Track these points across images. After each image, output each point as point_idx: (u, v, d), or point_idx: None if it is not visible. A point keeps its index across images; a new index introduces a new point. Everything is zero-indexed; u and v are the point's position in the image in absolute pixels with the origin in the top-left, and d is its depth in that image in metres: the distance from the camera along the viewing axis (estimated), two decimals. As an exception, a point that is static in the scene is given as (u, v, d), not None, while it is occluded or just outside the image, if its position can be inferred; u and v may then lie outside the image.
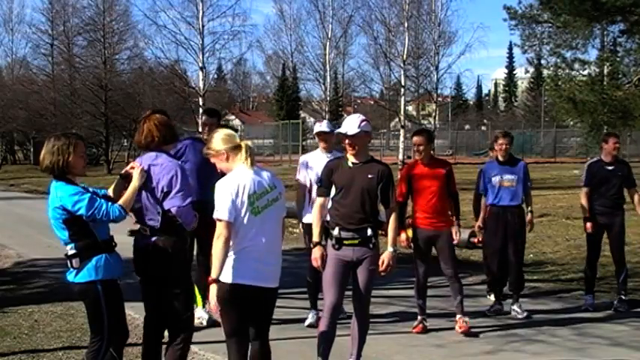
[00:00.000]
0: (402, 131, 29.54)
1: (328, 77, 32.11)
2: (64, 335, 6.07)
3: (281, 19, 42.30)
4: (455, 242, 6.28)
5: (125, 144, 42.92)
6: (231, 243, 3.85)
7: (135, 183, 4.21)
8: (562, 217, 12.77)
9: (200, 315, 6.14)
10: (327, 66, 31.39)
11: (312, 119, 56.53)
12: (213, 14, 27.14)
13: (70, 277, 4.13)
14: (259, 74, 68.24)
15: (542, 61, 13.78)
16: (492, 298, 7.60)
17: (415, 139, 6.32)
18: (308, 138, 45.37)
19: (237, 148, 3.99)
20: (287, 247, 8.32)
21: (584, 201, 7.28)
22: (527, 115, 60.16)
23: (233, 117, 61.85)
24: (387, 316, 6.76)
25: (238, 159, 3.97)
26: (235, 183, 3.86)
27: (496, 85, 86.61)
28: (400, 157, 28.16)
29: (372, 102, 56.30)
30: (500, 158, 6.94)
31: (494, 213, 6.95)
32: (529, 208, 7.06)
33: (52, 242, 10.13)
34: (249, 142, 4.06)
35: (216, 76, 43.85)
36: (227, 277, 3.85)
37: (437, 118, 35.54)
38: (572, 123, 18.66)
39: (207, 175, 5.92)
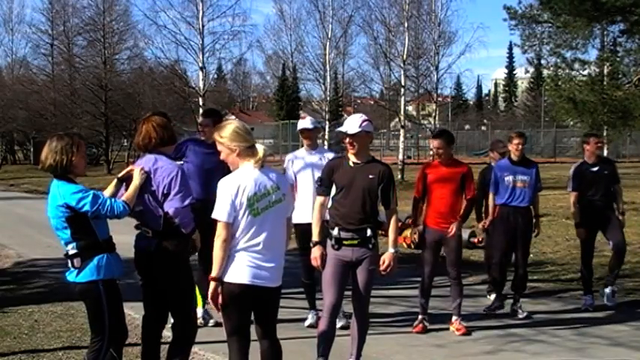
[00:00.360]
0: (402, 131, 29.52)
1: (328, 77, 32.07)
2: (64, 335, 6.07)
3: (281, 19, 42.27)
4: (450, 235, 6.22)
5: (125, 144, 42.92)
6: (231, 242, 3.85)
7: (136, 181, 4.22)
8: (562, 217, 12.77)
9: (200, 315, 6.14)
10: (327, 66, 31.35)
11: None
12: (213, 14, 27.13)
13: (71, 276, 4.13)
14: (259, 74, 68.29)
15: (542, 61, 13.76)
16: (492, 298, 7.61)
17: (434, 142, 6.32)
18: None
19: (250, 148, 3.94)
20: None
21: (573, 208, 7.33)
22: (527, 115, 60.18)
23: (233, 117, 61.78)
24: (387, 316, 6.76)
25: (248, 159, 3.93)
26: (236, 184, 3.85)
27: (496, 85, 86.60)
28: (400, 157, 28.14)
29: (372, 102, 56.27)
30: (515, 158, 6.91)
31: (505, 213, 6.90)
32: (536, 212, 7.07)
33: (52, 242, 10.13)
34: (264, 147, 3.98)
35: (216, 76, 43.94)
36: (227, 276, 3.85)
37: (437, 118, 35.49)
38: (572, 123, 18.64)
39: (208, 175, 5.93)
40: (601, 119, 10.40)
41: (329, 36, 30.80)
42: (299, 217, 5.96)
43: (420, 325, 6.31)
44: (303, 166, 6.23)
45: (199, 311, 6.14)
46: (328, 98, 32.02)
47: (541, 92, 47.19)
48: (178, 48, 27.45)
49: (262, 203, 3.87)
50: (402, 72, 28.49)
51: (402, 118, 29.41)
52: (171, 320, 5.00)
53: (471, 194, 6.29)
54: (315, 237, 4.92)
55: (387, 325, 6.44)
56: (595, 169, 7.16)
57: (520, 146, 6.86)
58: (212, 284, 3.87)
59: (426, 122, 36.19)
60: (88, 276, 4.07)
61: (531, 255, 9.71)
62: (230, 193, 3.83)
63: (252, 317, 4.01)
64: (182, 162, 5.75)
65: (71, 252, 4.09)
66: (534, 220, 7.04)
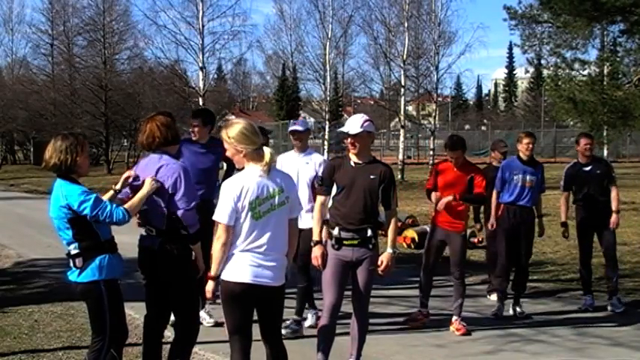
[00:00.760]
0: (402, 131, 29.52)
1: (328, 77, 32.05)
2: (64, 335, 6.07)
3: (281, 19, 42.18)
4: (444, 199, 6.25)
5: (125, 144, 42.90)
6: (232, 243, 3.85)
7: (144, 190, 4.21)
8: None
9: (201, 315, 6.14)
10: (327, 66, 31.34)
11: (312, 119, 56.57)
12: (213, 14, 27.12)
13: (73, 276, 4.14)
14: (259, 74, 68.19)
15: (542, 61, 13.74)
16: (492, 298, 7.61)
17: (453, 154, 6.32)
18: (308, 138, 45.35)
19: (257, 149, 3.91)
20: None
21: (562, 207, 7.34)
22: (527, 115, 60.16)
23: (233, 117, 61.80)
24: (387, 316, 6.76)
25: (254, 162, 3.90)
26: (239, 186, 3.83)
27: (496, 85, 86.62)
28: (400, 157, 28.14)
29: (372, 102, 56.27)
30: (524, 157, 6.91)
31: (512, 212, 6.89)
32: (539, 212, 7.08)
33: (52, 242, 10.13)
34: (271, 151, 3.95)
35: (216, 76, 43.89)
36: (228, 275, 3.86)
37: (437, 118, 35.48)
38: (572, 123, 18.61)
39: (202, 175, 5.93)
40: (601, 119, 10.39)
41: (329, 36, 30.79)
42: None
43: (414, 315, 6.34)
44: (291, 168, 6.17)
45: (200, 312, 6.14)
46: (328, 98, 32.01)
47: (541, 92, 47.18)
48: (178, 48, 27.47)
49: (264, 207, 3.86)
50: (402, 72, 28.50)
51: (402, 118, 29.42)
52: (172, 319, 5.01)
53: (478, 190, 6.32)
54: (315, 236, 4.92)
55: (387, 325, 6.44)
56: (587, 168, 7.17)
57: (530, 146, 6.88)
58: (210, 283, 3.88)
59: (426, 122, 36.15)
60: (90, 276, 4.07)
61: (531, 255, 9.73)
62: (232, 195, 3.82)
63: (256, 318, 4.01)
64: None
65: (73, 252, 4.10)
66: (537, 220, 7.06)
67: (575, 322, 6.66)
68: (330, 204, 5.00)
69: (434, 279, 6.64)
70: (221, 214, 3.83)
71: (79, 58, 38.85)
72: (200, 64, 26.68)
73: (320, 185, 5.03)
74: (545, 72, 20.65)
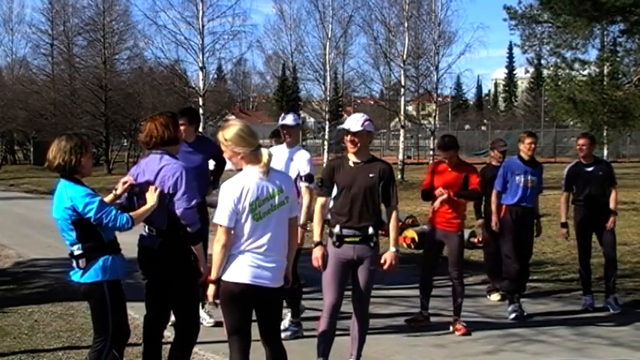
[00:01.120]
0: (402, 131, 29.52)
1: (328, 77, 32.04)
2: (64, 335, 6.07)
3: (281, 19, 42.12)
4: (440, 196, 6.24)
5: (125, 144, 42.91)
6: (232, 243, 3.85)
7: (151, 202, 4.21)
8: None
9: (201, 315, 6.14)
10: (327, 66, 31.33)
11: (312, 119, 56.62)
12: (213, 14, 27.10)
13: (76, 277, 4.14)
14: (259, 74, 68.16)
15: (542, 61, 13.73)
16: (492, 298, 7.61)
17: (445, 154, 6.34)
18: (308, 138, 45.37)
19: (255, 151, 3.90)
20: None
21: (562, 207, 7.34)
22: (527, 115, 60.15)
23: (233, 117, 61.79)
24: (387, 316, 6.76)
25: (252, 164, 3.89)
26: (239, 188, 3.82)
27: (496, 85, 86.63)
28: (400, 157, 28.13)
29: (372, 102, 56.25)
30: (526, 157, 6.91)
31: (515, 213, 6.87)
32: (537, 212, 7.08)
33: (52, 242, 10.14)
34: (268, 151, 3.93)
35: (216, 76, 43.82)
36: (228, 275, 3.85)
37: (437, 118, 35.43)
38: (572, 123, 18.60)
39: (194, 176, 5.93)
40: (601, 119, 10.39)
41: (329, 36, 30.80)
42: None
43: (415, 316, 6.35)
44: (279, 163, 6.00)
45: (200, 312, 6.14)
46: (328, 98, 32.00)
47: (541, 92, 47.15)
48: (178, 48, 27.45)
49: (264, 207, 3.85)
50: (402, 72, 28.50)
51: (402, 118, 29.41)
52: (172, 319, 5.01)
53: (473, 186, 6.33)
54: (316, 237, 4.91)
55: (387, 325, 6.44)
56: (590, 169, 7.15)
57: (532, 145, 6.88)
58: (211, 287, 3.86)
59: (426, 122, 36.13)
60: (93, 277, 4.08)
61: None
62: (232, 197, 3.80)
63: (255, 319, 4.00)
64: None
65: (76, 253, 4.10)
66: (535, 221, 7.07)
67: (575, 322, 6.66)
68: (330, 204, 4.99)
69: (434, 279, 6.64)
70: (221, 217, 3.81)
71: (79, 58, 38.85)
72: (200, 64, 26.67)
73: (320, 187, 5.02)
74: (545, 72, 20.64)
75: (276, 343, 4.04)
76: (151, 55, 39.27)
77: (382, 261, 4.86)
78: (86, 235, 4.06)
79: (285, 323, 5.82)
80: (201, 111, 26.50)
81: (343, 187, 4.87)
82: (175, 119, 4.60)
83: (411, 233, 10.81)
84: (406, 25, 28.45)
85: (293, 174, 5.90)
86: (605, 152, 29.58)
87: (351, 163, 4.93)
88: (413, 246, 10.64)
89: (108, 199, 4.32)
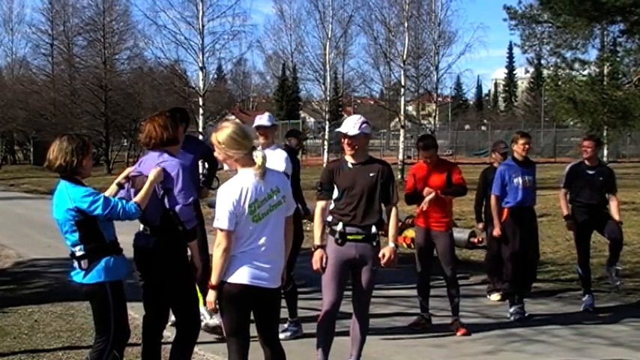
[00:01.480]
0: (402, 131, 29.50)
1: (328, 77, 32.03)
2: (64, 335, 6.07)
3: (281, 19, 42.19)
4: (428, 195, 6.22)
5: (125, 144, 42.93)
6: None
7: (150, 178, 4.20)
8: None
9: (202, 313, 6.13)
10: (327, 66, 31.32)
11: (312, 119, 56.59)
12: (213, 14, 27.09)
13: (78, 277, 4.14)
14: (259, 74, 68.23)
15: (542, 61, 13.72)
16: (492, 298, 7.61)
17: (426, 153, 6.32)
18: (308, 138, 45.34)
19: (249, 153, 3.87)
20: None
21: (562, 202, 7.35)
22: (527, 115, 60.14)
23: (233, 117, 61.77)
24: (387, 316, 6.76)
25: (247, 166, 3.86)
26: (237, 191, 3.79)
27: (496, 85, 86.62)
28: (400, 157, 28.13)
29: (372, 102, 56.23)
30: (520, 158, 6.91)
31: (517, 214, 6.85)
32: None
33: (52, 242, 10.14)
34: (263, 154, 3.88)
35: (216, 76, 43.82)
36: (227, 276, 3.84)
37: (437, 118, 35.45)
38: (572, 123, 18.61)
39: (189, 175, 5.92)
40: (601, 119, 10.38)
41: (329, 36, 30.79)
42: None
43: (416, 320, 6.35)
44: None
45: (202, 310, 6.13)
46: (328, 98, 31.99)
47: (541, 92, 47.14)
48: (178, 48, 27.45)
49: (263, 208, 3.84)
50: (402, 72, 28.49)
51: (402, 118, 29.40)
52: (172, 319, 5.01)
53: (457, 182, 6.33)
54: (317, 241, 4.91)
55: (387, 325, 6.44)
56: (591, 172, 7.13)
57: (526, 146, 6.87)
58: (212, 292, 3.84)
59: (425, 122, 36.12)
60: (96, 277, 4.08)
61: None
62: (231, 200, 3.77)
63: (253, 320, 4.00)
64: None
65: (78, 253, 4.10)
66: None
67: (575, 322, 6.66)
68: (331, 206, 4.99)
69: (433, 279, 6.64)
70: (221, 221, 3.77)
71: (79, 58, 38.87)
72: (200, 64, 26.66)
73: (319, 190, 5.01)
74: (545, 72, 20.64)
75: (274, 343, 4.04)
76: (151, 55, 39.25)
77: (381, 255, 4.86)
78: (89, 235, 4.06)
79: (283, 324, 5.81)
80: (201, 111, 26.52)
81: (345, 189, 4.87)
82: (174, 119, 4.60)
83: (410, 233, 10.80)
84: (406, 25, 28.45)
85: None
86: (605, 152, 29.60)
87: (349, 165, 4.93)
88: (413, 246, 10.64)
89: (110, 190, 4.33)
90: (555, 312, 7.09)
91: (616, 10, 8.79)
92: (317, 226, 4.95)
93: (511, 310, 6.80)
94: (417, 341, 6.04)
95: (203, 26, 26.51)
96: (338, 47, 33.80)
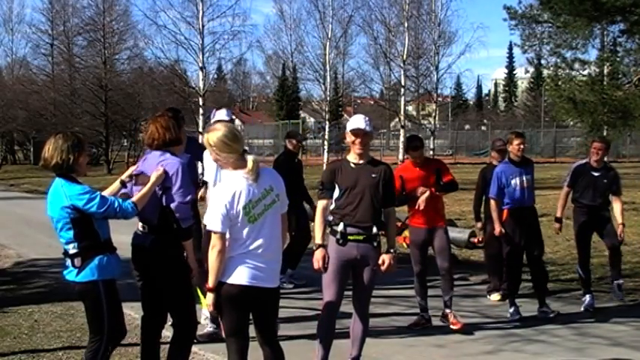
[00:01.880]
0: (402, 131, 29.54)
1: (328, 77, 32.05)
2: (64, 335, 6.07)
3: (281, 19, 42.23)
4: (423, 194, 6.21)
5: (125, 144, 42.94)
6: (227, 245, 3.82)
7: (152, 180, 4.21)
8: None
9: (206, 316, 6.12)
10: (327, 66, 31.33)
11: (312, 119, 56.59)
12: (213, 14, 27.14)
13: (71, 276, 4.13)
14: (259, 74, 68.34)
15: (542, 61, 13.74)
16: (492, 298, 7.61)
17: (415, 153, 6.32)
18: (308, 138, 45.32)
19: (241, 156, 3.85)
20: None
21: (560, 201, 7.34)
22: (527, 115, 60.17)
23: (233, 117, 61.75)
24: (387, 316, 6.76)
25: (239, 168, 3.84)
26: (230, 193, 3.77)
27: (496, 85, 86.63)
28: (400, 157, 28.15)
29: (372, 102, 56.28)
30: (516, 159, 6.88)
31: (517, 215, 6.84)
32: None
33: (52, 242, 10.12)
34: (254, 158, 3.86)
35: (216, 76, 43.90)
36: (226, 278, 3.84)
37: (437, 118, 35.48)
38: (572, 123, 18.63)
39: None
40: (601, 119, 10.39)
41: (329, 36, 30.79)
42: None
43: (416, 321, 6.36)
44: (213, 164, 5.43)
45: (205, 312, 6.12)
46: (328, 98, 32.00)
47: (541, 92, 47.19)
48: (178, 48, 27.52)
49: (258, 208, 3.83)
50: (402, 72, 28.54)
51: (402, 118, 29.44)
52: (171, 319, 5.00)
53: (448, 179, 6.33)
54: (318, 240, 4.90)
55: (387, 325, 6.44)
56: (596, 173, 7.10)
57: (521, 146, 6.84)
58: (210, 295, 3.84)
59: (426, 122, 36.15)
60: (89, 276, 4.07)
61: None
62: (224, 203, 3.76)
63: (252, 320, 4.00)
64: None
65: (72, 251, 4.09)
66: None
67: (575, 322, 6.66)
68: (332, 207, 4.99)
69: (430, 279, 6.63)
70: (214, 223, 3.76)
71: (79, 58, 38.89)
72: (200, 64, 26.70)
73: (321, 190, 5.01)
74: (545, 72, 20.66)
75: (273, 343, 4.04)
76: (151, 55, 39.46)
77: (380, 262, 4.86)
78: (83, 233, 4.04)
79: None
80: (201, 111, 26.54)
81: (346, 189, 4.87)
82: (177, 119, 4.61)
83: (408, 233, 10.80)
84: (406, 25, 28.49)
85: None
86: (605, 152, 29.53)
87: (352, 164, 4.93)
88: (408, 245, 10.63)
89: (113, 187, 4.34)
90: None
91: (616, 10, 8.80)
92: (318, 225, 4.94)
93: (510, 310, 6.80)
94: (417, 341, 6.04)
95: (203, 26, 26.56)
96: (338, 47, 33.87)
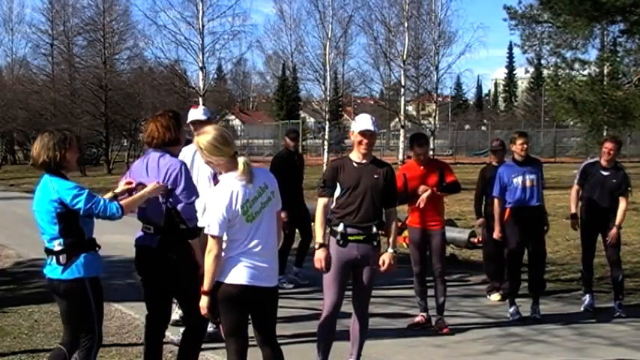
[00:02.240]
0: (402, 131, 29.58)
1: (328, 77, 32.07)
2: (64, 335, 6.07)
3: (281, 19, 42.19)
4: (424, 193, 6.21)
5: (125, 144, 42.94)
6: (225, 246, 3.83)
7: (146, 190, 4.20)
8: (562, 217, 12.74)
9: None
10: (327, 66, 31.34)
11: (312, 119, 56.60)
12: (213, 14, 27.18)
13: (54, 274, 4.09)
14: (259, 74, 68.21)
15: (542, 61, 13.73)
16: (492, 297, 7.61)
17: (419, 149, 6.32)
18: (308, 138, 45.33)
19: (232, 158, 3.84)
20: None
21: (572, 198, 7.31)
22: (527, 115, 60.18)
23: (233, 117, 61.84)
24: (387, 316, 6.75)
25: (232, 170, 3.84)
26: (227, 195, 3.77)
27: (496, 85, 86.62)
28: (400, 157, 28.17)
29: (372, 102, 56.27)
30: (520, 159, 6.86)
31: (518, 214, 6.83)
32: (543, 209, 7.01)
33: (52, 242, 10.12)
34: (244, 160, 3.84)
35: (216, 76, 43.90)
36: (225, 278, 3.84)
37: (437, 118, 35.52)
38: (572, 123, 18.62)
39: None
40: (601, 119, 10.38)
41: (329, 36, 30.81)
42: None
43: (416, 321, 6.37)
44: (189, 162, 5.26)
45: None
46: (328, 98, 32.01)
47: (541, 92, 47.18)
48: (178, 48, 27.59)
49: (255, 207, 3.84)
50: (402, 72, 28.56)
51: (402, 118, 29.46)
52: (173, 318, 5.00)
53: (450, 180, 6.33)
54: (319, 239, 4.89)
55: (387, 325, 6.44)
56: (605, 173, 7.05)
57: (524, 146, 6.83)
58: (204, 298, 3.83)
59: (426, 122, 36.15)
60: (75, 273, 4.03)
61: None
62: (223, 205, 3.75)
63: (250, 320, 4.00)
64: None
65: (57, 248, 4.05)
66: (544, 217, 7.03)
67: (575, 322, 6.65)
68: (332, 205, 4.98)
69: (430, 279, 6.62)
70: (212, 226, 3.76)
71: (79, 58, 38.87)
72: (200, 64, 26.72)
73: (322, 187, 5.00)
74: (545, 72, 20.66)
75: (272, 342, 4.04)
76: (151, 55, 39.46)
77: (380, 262, 4.86)
78: (69, 229, 4.00)
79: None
80: (201, 111, 26.51)
81: (348, 187, 4.86)
82: (177, 119, 4.61)
83: (407, 233, 10.80)
84: (406, 25, 28.51)
85: (209, 170, 5.09)
86: (605, 152, 29.53)
87: (354, 164, 4.92)
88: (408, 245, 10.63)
89: (107, 197, 4.31)
90: (555, 312, 7.09)
91: (616, 10, 8.79)
92: (319, 224, 4.92)
93: (510, 309, 6.80)
94: (417, 341, 6.04)
95: (203, 26, 26.58)
96: (338, 47, 33.86)
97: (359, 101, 62.99)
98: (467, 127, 59.62)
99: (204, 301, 3.84)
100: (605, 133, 11.75)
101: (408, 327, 6.40)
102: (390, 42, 30.18)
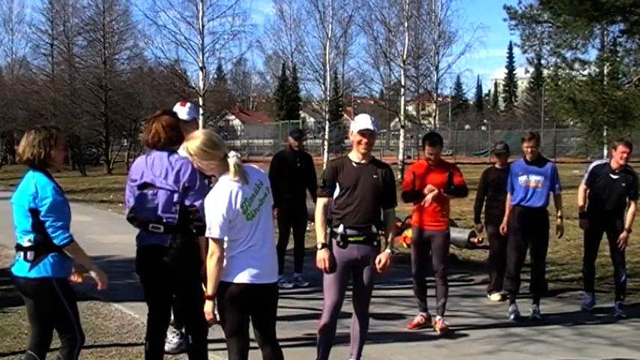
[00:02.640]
0: (402, 131, 29.52)
1: (328, 77, 32.00)
2: (64, 335, 6.06)
3: (281, 19, 42.18)
4: (430, 193, 6.22)
5: (125, 144, 42.94)
6: (226, 246, 3.82)
7: (94, 267, 4.11)
8: (566, 218, 12.76)
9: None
10: (327, 66, 31.29)
11: (312, 119, 56.59)
12: (213, 14, 27.09)
13: (21, 271, 4.04)
14: (259, 74, 68.24)
15: (542, 61, 13.71)
16: (492, 297, 7.61)
17: (431, 149, 6.30)
18: (308, 138, 45.31)
19: (223, 160, 3.83)
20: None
21: (580, 197, 7.29)
22: (527, 115, 60.16)
23: (233, 117, 61.82)
24: (387, 316, 6.75)
25: (224, 173, 3.83)
26: (226, 196, 3.76)
27: (496, 85, 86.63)
28: (400, 157, 28.13)
29: (372, 102, 56.24)
30: (528, 159, 6.86)
31: (518, 213, 6.85)
32: (559, 213, 6.97)
33: (52, 242, 10.12)
34: (235, 161, 3.82)
35: (216, 76, 43.79)
36: (227, 277, 3.84)
37: (437, 118, 35.48)
38: (572, 123, 18.60)
39: None
40: (601, 119, 10.37)
41: (329, 36, 30.76)
42: None
43: (415, 321, 6.35)
44: None
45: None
46: (328, 98, 31.97)
47: (541, 92, 47.14)
48: (178, 48, 27.45)
49: (254, 204, 3.85)
50: (402, 72, 28.51)
51: (402, 118, 29.42)
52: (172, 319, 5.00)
53: (458, 182, 6.32)
54: (320, 239, 4.87)
55: (387, 325, 6.44)
56: (615, 176, 7.01)
57: (531, 148, 6.80)
58: (209, 303, 3.82)
59: (426, 122, 36.16)
60: (42, 272, 3.97)
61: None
62: (223, 206, 3.74)
63: (251, 319, 4.00)
64: None
65: (26, 244, 4.00)
66: (559, 221, 6.95)
67: (575, 322, 6.66)
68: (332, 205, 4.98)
69: (431, 279, 6.62)
70: (214, 229, 3.75)
71: (79, 58, 38.83)
72: (200, 64, 26.66)
73: (322, 187, 5.00)
74: (545, 72, 20.64)
75: (272, 341, 4.04)
76: (151, 55, 39.42)
77: (377, 261, 4.86)
78: (40, 225, 3.93)
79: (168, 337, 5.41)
80: (201, 111, 26.51)
81: (347, 187, 4.86)
82: (177, 118, 4.62)
83: (410, 233, 10.79)
84: (406, 25, 28.47)
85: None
86: (605, 152, 29.53)
87: (354, 164, 4.92)
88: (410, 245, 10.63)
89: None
90: (555, 312, 7.09)
91: (616, 10, 8.79)
92: (320, 224, 4.91)
93: (510, 309, 6.80)
94: (417, 341, 6.04)
95: (203, 26, 26.52)
96: (338, 47, 33.80)
97: (359, 101, 62.96)
98: (467, 127, 59.60)
99: (208, 306, 3.82)
100: (605, 133, 11.74)
101: (408, 326, 6.40)
102: (390, 42, 30.12)
